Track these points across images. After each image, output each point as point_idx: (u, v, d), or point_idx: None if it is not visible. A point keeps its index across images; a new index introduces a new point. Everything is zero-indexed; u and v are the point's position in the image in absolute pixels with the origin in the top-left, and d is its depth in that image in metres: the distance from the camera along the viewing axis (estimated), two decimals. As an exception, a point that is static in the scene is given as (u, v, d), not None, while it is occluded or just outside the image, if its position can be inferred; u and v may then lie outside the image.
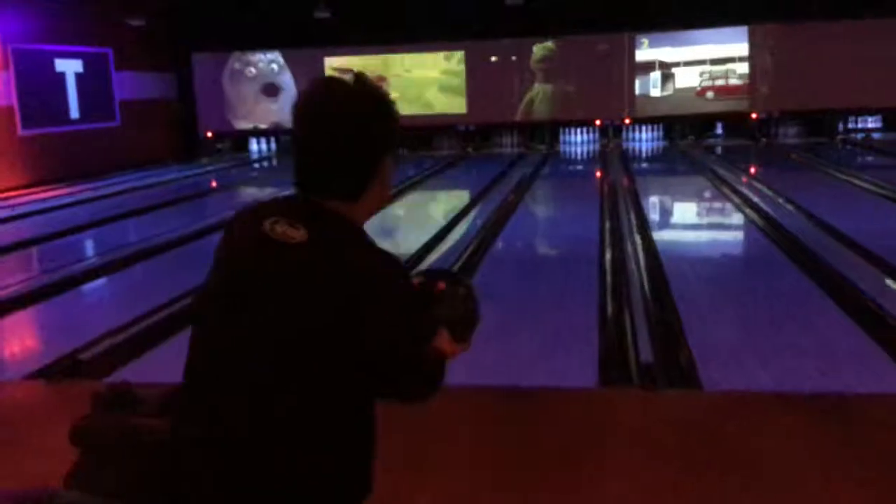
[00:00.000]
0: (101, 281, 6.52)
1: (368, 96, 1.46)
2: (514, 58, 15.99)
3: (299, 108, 1.46)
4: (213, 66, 16.82)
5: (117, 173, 12.99)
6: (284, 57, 16.64)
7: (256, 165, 15.81)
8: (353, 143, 1.43)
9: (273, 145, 16.98)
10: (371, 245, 1.45)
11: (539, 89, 16.00)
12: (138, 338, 4.62)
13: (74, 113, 13.00)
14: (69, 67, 12.85)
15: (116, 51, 13.92)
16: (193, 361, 1.45)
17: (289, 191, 1.53)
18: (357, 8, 15.00)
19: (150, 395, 1.66)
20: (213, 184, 13.26)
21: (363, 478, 1.45)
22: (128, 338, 4.61)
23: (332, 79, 1.48)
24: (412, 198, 10.71)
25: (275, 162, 16.06)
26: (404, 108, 16.22)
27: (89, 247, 8.11)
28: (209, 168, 14.76)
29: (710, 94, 15.56)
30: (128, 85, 14.56)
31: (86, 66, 13.19)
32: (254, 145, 17.40)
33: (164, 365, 4.19)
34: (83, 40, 13.21)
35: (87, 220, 9.03)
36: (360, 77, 1.48)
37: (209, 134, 17.07)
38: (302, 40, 16.15)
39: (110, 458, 1.54)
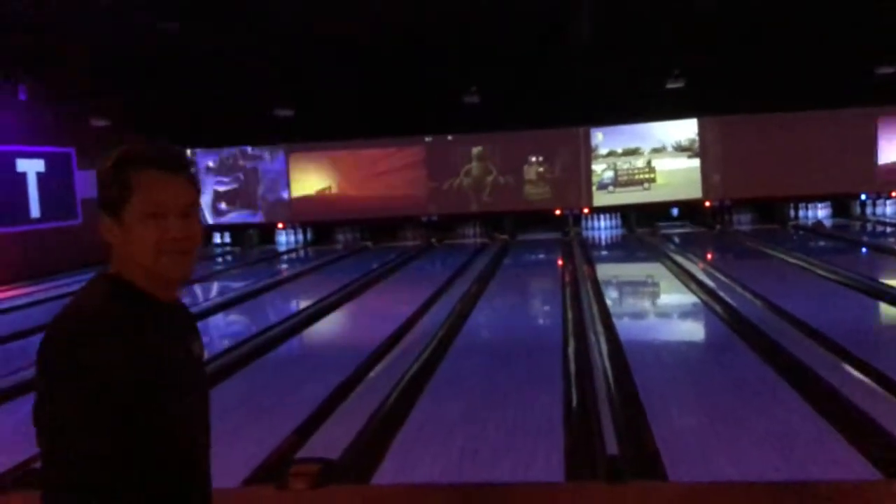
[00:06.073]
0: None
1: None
2: (474, 151, 16.46)
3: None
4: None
5: (81, 271, 12.81)
6: (249, 153, 16.96)
7: (220, 259, 15.76)
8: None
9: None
10: None
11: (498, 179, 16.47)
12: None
13: (35, 212, 12.92)
14: (31, 167, 12.85)
15: (79, 150, 13.97)
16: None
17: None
18: (319, 105, 15.38)
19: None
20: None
21: None
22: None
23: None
24: (378, 289, 10.74)
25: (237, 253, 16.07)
26: (366, 202, 16.60)
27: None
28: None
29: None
30: (91, 183, 14.54)
31: (48, 165, 13.21)
32: (217, 238, 17.46)
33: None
34: (46, 140, 13.26)
35: (45, 321, 8.81)
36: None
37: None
38: (265, 137, 16.48)
39: None
